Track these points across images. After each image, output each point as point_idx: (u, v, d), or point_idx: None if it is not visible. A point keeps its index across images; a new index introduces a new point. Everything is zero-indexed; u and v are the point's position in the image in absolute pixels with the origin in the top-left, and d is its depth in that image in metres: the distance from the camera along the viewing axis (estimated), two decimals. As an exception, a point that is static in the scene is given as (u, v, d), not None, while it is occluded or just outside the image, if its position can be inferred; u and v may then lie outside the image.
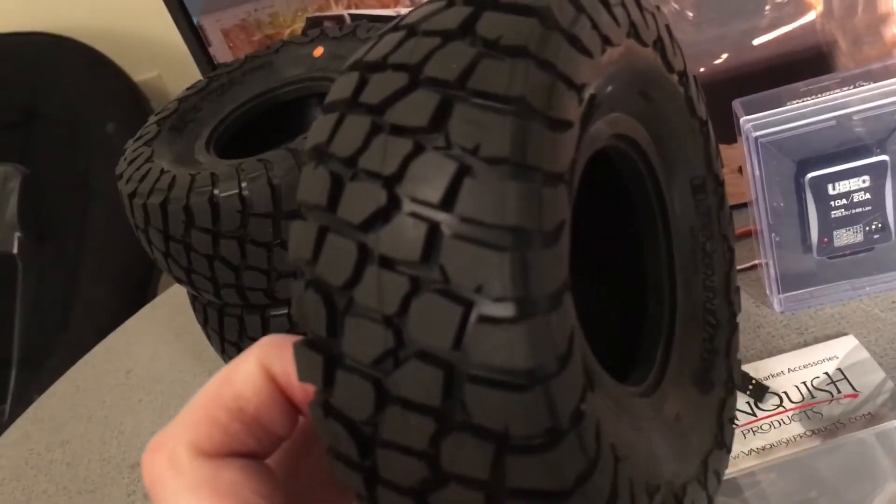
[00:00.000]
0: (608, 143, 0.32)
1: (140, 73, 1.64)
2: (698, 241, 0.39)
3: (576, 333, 0.22)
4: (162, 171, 0.59)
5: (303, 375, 0.23)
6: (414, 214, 0.21)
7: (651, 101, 0.34)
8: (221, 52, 0.81)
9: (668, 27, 0.34)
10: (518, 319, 0.20)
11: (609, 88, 0.28)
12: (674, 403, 0.35)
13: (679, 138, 0.37)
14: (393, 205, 0.21)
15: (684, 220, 0.38)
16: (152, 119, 0.68)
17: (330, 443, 0.23)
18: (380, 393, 0.21)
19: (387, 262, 0.21)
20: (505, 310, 0.20)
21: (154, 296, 1.22)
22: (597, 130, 0.29)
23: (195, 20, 0.79)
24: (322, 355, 0.22)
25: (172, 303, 0.95)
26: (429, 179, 0.21)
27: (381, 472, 0.22)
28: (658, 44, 0.33)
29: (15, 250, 1.53)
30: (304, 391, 0.25)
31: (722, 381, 0.38)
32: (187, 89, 0.72)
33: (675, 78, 0.35)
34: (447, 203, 0.21)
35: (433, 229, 0.21)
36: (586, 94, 0.25)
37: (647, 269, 0.39)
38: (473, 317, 0.20)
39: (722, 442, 0.36)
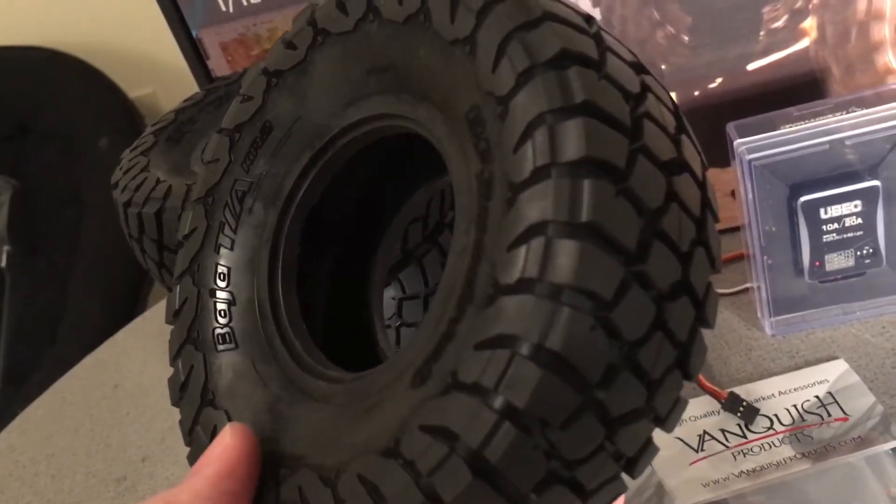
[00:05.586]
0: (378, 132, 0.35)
1: (135, 90, 1.65)
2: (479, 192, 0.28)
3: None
4: (158, 181, 0.59)
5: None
6: None
7: (390, 71, 0.33)
8: (219, 65, 0.81)
9: None
10: None
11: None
12: (378, 396, 0.30)
13: (432, 74, 0.30)
14: None
15: (469, 169, 0.29)
16: (149, 129, 0.69)
17: None
18: None
19: None
20: None
21: (143, 312, 1.22)
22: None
23: (194, 33, 0.79)
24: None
25: (162, 317, 0.95)
26: None
27: None
28: None
29: (3, 263, 1.52)
30: None
31: (443, 374, 0.26)
32: (184, 101, 0.72)
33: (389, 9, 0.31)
34: None
35: None
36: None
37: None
38: None
39: (392, 450, 0.27)
